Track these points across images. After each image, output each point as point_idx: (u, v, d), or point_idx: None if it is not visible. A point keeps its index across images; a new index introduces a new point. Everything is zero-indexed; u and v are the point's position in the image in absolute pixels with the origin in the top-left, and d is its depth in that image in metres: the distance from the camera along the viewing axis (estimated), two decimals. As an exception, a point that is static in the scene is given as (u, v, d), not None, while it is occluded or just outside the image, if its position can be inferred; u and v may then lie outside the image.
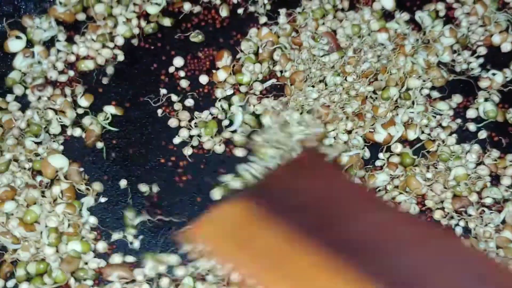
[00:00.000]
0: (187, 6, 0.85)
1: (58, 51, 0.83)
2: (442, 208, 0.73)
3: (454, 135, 0.77)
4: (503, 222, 0.72)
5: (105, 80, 0.81)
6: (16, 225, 0.70)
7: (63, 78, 0.81)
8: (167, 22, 0.85)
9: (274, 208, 0.47)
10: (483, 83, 0.80)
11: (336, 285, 0.43)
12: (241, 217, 0.48)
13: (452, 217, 0.72)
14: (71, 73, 0.82)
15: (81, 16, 0.85)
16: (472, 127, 0.78)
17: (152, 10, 0.85)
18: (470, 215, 0.72)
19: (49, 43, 0.83)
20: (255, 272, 0.45)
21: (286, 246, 0.45)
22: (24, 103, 0.80)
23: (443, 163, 0.74)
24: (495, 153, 0.75)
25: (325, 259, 0.44)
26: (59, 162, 0.75)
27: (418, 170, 0.74)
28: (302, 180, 0.52)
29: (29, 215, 0.71)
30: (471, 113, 0.78)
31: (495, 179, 0.74)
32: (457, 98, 0.79)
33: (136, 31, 0.84)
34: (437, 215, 0.73)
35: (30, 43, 0.83)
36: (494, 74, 0.80)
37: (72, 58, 0.82)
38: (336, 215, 0.47)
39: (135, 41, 0.84)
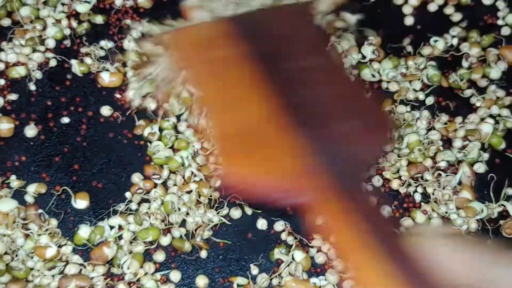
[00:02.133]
0: (118, 1, 0.82)
1: (-15, 60, 0.78)
2: (399, 177, 0.73)
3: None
4: (460, 183, 0.72)
5: (33, 87, 0.77)
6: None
7: (-7, 88, 0.76)
8: (99, 19, 0.81)
9: (241, 34, 0.51)
10: (424, 51, 0.80)
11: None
12: (211, 32, 0.51)
13: (410, 184, 0.72)
14: (2, 81, 0.77)
15: (6, 22, 0.80)
16: (421, 96, 0.78)
17: (82, 8, 0.81)
18: (427, 180, 0.72)
19: (-26, 53, 0.79)
20: (205, 88, 0.48)
21: (232, 63, 0.49)
22: (-48, 119, 0.75)
23: (395, 132, 0.74)
24: (444, 117, 0.76)
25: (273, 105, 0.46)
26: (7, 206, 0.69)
27: (371, 142, 0.73)
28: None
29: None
30: (416, 84, 0.78)
31: (447, 143, 0.75)
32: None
33: (68, 31, 0.80)
34: (395, 184, 0.72)
35: (-48, 55, 0.78)
36: (436, 41, 0.80)
37: (1, 66, 0.78)
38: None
39: (67, 42, 0.80)
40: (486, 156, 0.73)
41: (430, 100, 0.77)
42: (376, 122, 0.47)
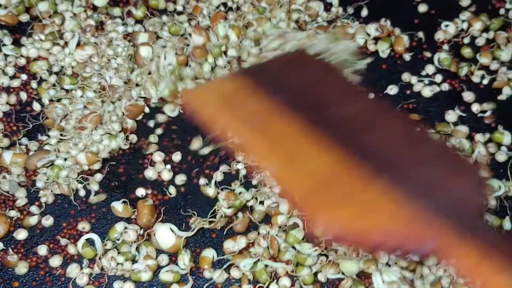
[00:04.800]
0: (135, -6, 0.83)
1: (6, 55, 0.78)
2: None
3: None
4: (475, 162, 0.74)
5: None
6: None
7: (16, 83, 0.77)
8: (117, 12, 0.82)
9: (266, 86, 0.50)
10: (437, 36, 0.82)
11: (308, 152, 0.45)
12: (234, 88, 0.50)
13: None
14: (24, 76, 0.77)
15: (25, 17, 0.81)
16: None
17: (100, 2, 0.82)
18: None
19: (-6, 49, 0.79)
20: (242, 133, 0.47)
21: (272, 116, 0.47)
22: (-24, 115, 0.75)
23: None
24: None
25: (306, 132, 0.46)
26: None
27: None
28: (296, 71, 0.54)
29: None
30: (430, 69, 0.81)
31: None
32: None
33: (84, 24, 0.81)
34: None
35: (-27, 51, 0.78)
36: (447, 26, 0.83)
37: (23, 61, 0.78)
38: (326, 103, 0.49)
39: (86, 36, 0.81)
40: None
41: (445, 87, 0.79)
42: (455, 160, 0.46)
